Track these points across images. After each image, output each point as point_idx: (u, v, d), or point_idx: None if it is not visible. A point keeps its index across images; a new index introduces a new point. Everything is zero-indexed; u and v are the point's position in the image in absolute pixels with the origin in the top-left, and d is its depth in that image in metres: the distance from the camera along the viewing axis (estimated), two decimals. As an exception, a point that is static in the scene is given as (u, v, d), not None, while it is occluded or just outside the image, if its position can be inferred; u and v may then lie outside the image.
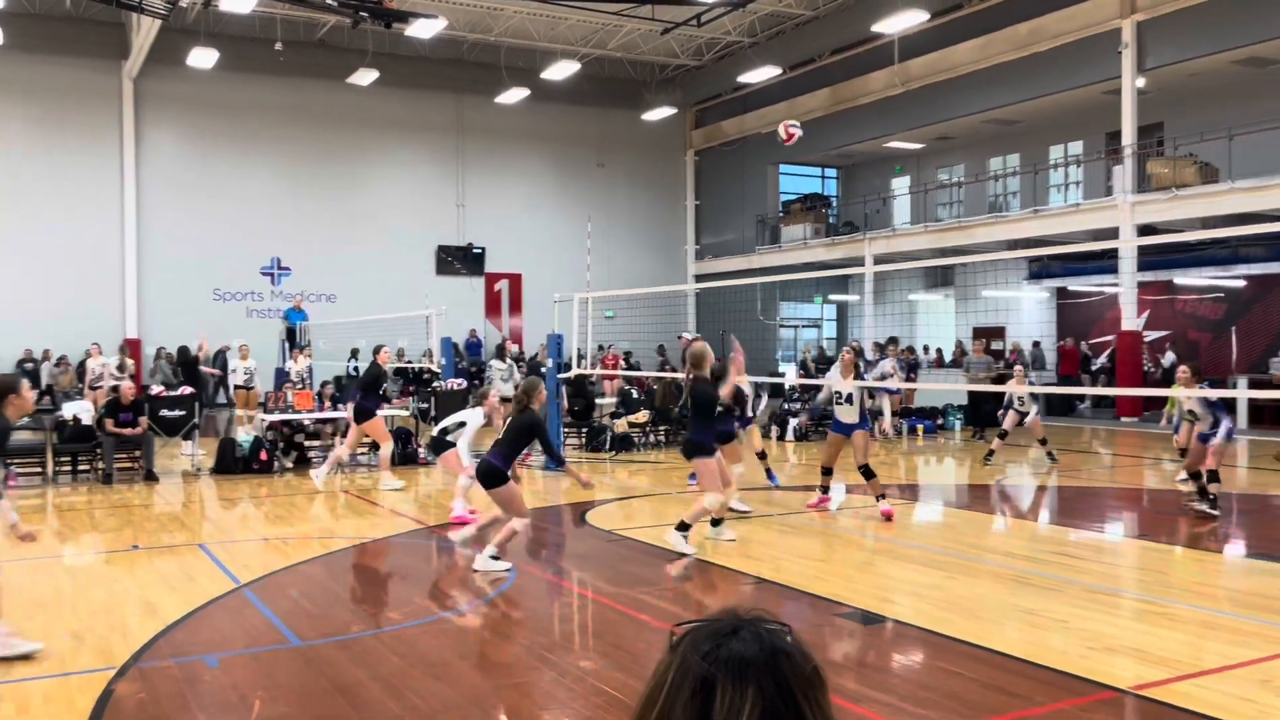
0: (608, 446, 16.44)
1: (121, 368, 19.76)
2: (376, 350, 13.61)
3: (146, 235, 26.37)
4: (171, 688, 5.32)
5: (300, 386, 16.69)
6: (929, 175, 29.87)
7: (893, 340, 21.49)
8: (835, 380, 10.61)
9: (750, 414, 12.10)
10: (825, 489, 10.82)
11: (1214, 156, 20.22)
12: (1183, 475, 12.40)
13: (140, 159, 26.38)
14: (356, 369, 23.74)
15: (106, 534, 9.84)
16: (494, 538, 7.94)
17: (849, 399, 10.30)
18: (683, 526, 8.52)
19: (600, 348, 25.13)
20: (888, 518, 10.04)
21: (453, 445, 10.33)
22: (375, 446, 14.92)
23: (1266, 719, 4.67)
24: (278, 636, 6.29)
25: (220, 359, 22.69)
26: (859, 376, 10.65)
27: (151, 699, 5.13)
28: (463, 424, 10.41)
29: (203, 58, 24.07)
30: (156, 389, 15.55)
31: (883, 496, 10.20)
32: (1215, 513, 10.06)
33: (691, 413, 8.86)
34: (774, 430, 18.93)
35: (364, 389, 12.83)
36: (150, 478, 13.15)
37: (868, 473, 10.15)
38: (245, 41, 26.15)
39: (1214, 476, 10.17)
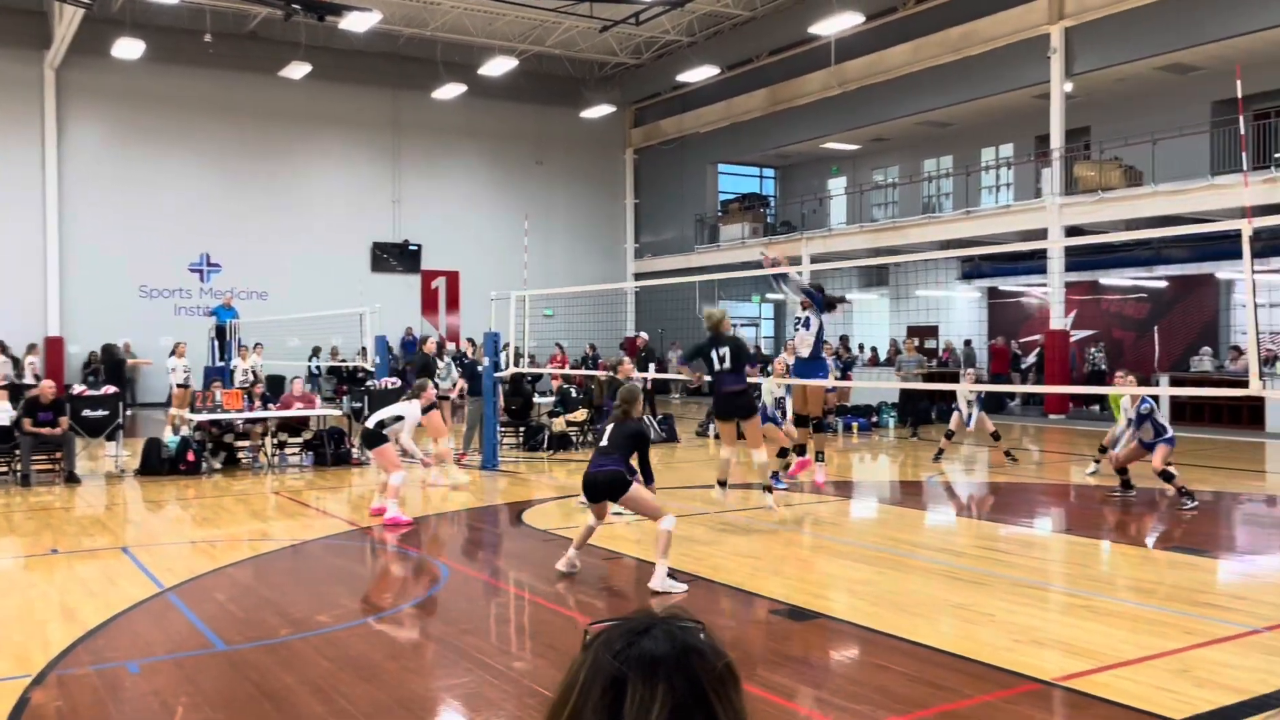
0: (545, 445, 16.34)
1: (18, 366, 19.21)
2: (423, 341, 13.84)
3: (69, 230, 25.60)
4: (90, 695, 5.17)
5: (251, 384, 16.39)
6: (864, 176, 30.25)
7: (839, 338, 21.74)
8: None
9: (777, 414, 12.26)
10: (800, 449, 11.00)
11: (1138, 160, 20.77)
12: (1091, 470, 12.96)
13: (63, 152, 25.60)
14: (318, 368, 23.42)
15: (24, 538, 9.53)
16: (655, 552, 7.24)
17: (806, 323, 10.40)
18: (768, 489, 9.80)
19: (559, 346, 25.03)
20: (811, 478, 10.62)
21: (386, 440, 10.21)
22: (313, 445, 14.75)
23: (1184, 707, 4.79)
24: (202, 641, 6.14)
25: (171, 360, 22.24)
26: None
27: (69, 707, 4.98)
28: (399, 418, 10.29)
29: (128, 48, 23.45)
30: (79, 388, 15.13)
31: (820, 455, 10.65)
32: (1194, 504, 10.35)
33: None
34: (711, 428, 18.96)
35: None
36: (71, 479, 12.76)
37: (820, 426, 10.86)
38: (173, 32, 25.54)
39: (1167, 475, 10.52)
